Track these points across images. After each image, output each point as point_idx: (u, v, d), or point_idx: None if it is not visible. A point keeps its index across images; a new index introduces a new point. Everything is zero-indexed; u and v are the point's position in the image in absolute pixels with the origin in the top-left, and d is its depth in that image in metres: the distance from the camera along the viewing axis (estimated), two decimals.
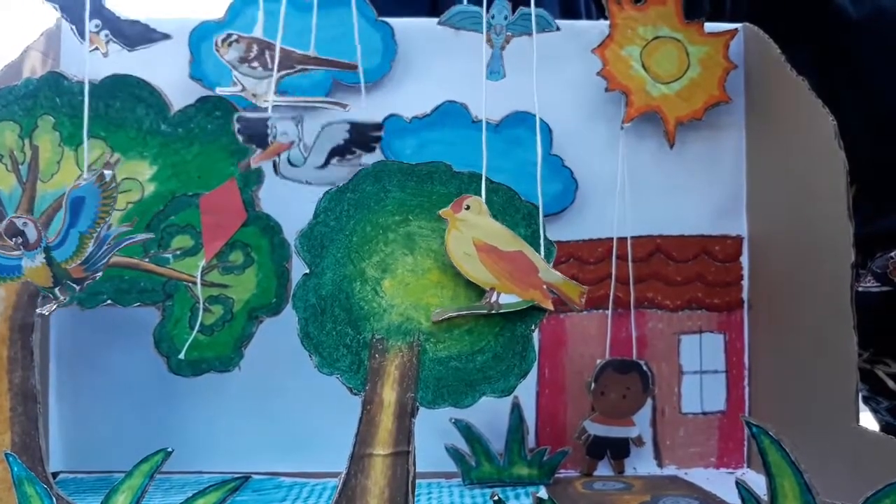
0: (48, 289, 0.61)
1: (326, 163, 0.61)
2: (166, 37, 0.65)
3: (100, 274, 0.62)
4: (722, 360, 0.79)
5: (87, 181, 0.60)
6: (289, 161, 0.61)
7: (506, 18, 0.70)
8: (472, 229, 0.54)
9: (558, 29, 0.68)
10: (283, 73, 0.65)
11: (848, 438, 0.62)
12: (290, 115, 0.61)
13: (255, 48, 0.64)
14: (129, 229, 0.64)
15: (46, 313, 0.61)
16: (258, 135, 0.61)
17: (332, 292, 0.55)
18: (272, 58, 0.64)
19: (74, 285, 0.61)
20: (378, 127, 0.62)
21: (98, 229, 0.60)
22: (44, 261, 0.60)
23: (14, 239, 0.60)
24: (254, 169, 0.64)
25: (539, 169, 0.60)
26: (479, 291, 0.55)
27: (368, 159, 0.59)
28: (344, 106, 0.65)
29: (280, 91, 0.64)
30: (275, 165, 0.62)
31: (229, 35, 0.65)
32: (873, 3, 0.85)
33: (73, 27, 0.63)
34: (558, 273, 0.55)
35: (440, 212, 0.54)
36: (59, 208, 0.61)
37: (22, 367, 0.60)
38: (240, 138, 0.61)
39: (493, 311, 0.54)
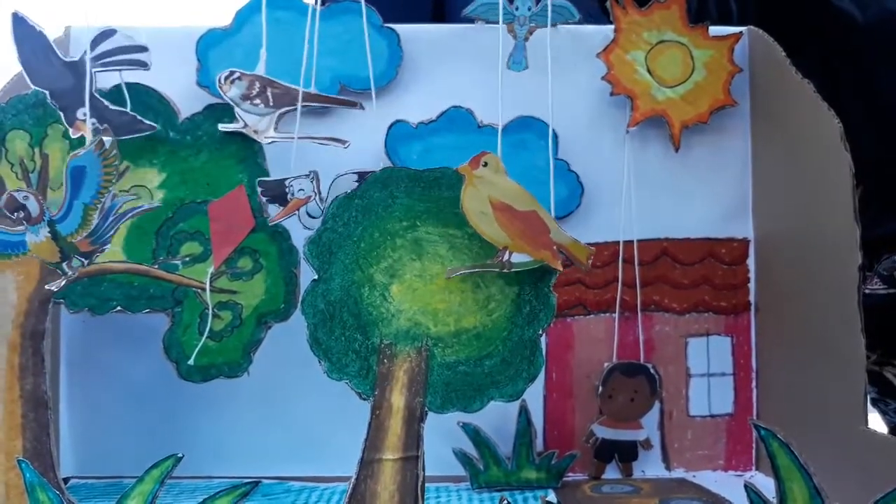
0: (55, 264, 0.59)
1: None
2: (152, 127, 0.65)
3: (108, 247, 0.60)
4: (729, 363, 0.79)
5: (86, 149, 0.59)
6: (308, 214, 0.66)
7: (529, 10, 0.72)
8: (488, 187, 0.54)
9: (579, 22, 0.72)
10: (285, 110, 0.67)
11: (857, 441, 0.62)
12: (306, 173, 0.65)
13: (256, 86, 0.66)
14: (134, 198, 0.64)
15: (56, 290, 0.60)
16: (279, 195, 0.65)
17: (341, 298, 0.55)
18: (274, 95, 0.66)
19: (82, 259, 0.60)
20: None
21: (102, 200, 0.59)
22: (48, 235, 0.58)
23: (16, 213, 0.58)
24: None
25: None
26: (485, 296, 0.55)
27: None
28: (343, 143, 0.67)
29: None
30: (299, 218, 0.66)
31: (232, 73, 0.66)
32: (879, 6, 0.84)
33: (62, 114, 0.63)
34: (568, 234, 0.56)
35: (458, 168, 0.54)
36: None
37: (33, 374, 0.61)
38: (262, 200, 0.65)
39: (506, 270, 0.54)
